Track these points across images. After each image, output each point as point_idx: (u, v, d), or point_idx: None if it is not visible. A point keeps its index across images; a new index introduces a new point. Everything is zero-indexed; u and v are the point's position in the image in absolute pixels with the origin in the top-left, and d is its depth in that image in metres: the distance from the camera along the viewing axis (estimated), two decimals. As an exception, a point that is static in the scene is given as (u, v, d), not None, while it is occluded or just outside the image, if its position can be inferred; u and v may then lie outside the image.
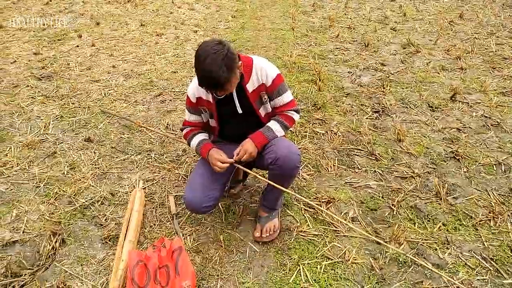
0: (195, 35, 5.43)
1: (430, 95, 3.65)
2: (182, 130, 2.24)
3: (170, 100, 3.73)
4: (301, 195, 2.49)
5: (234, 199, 2.48)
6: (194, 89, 2.04)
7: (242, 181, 2.56)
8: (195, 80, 2.01)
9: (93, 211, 2.41)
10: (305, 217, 2.34)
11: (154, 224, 2.31)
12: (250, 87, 1.98)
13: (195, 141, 2.13)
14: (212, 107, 2.03)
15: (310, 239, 2.18)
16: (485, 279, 1.95)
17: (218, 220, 2.33)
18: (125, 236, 2.12)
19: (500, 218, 2.27)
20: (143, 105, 3.63)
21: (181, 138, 2.80)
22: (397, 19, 5.84)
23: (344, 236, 2.21)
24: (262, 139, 2.01)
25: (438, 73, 4.10)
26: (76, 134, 3.18)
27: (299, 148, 2.89)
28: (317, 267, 2.02)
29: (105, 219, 2.35)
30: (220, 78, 1.72)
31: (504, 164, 2.70)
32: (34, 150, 2.96)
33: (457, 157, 2.79)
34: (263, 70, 1.98)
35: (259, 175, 2.16)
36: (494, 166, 2.70)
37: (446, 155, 2.83)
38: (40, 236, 2.21)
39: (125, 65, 4.46)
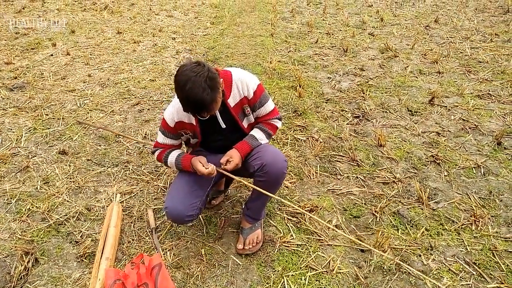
0: (173, 42, 5.37)
1: (409, 99, 3.68)
2: (153, 152, 2.13)
3: (148, 109, 3.64)
4: (284, 204, 2.45)
5: (215, 210, 2.42)
6: (173, 113, 1.95)
7: (223, 191, 2.50)
8: (174, 104, 1.94)
9: (68, 227, 2.31)
10: (288, 226, 2.30)
11: (133, 240, 2.22)
12: (232, 101, 1.94)
13: (173, 156, 2.04)
14: (195, 129, 1.97)
15: (293, 250, 2.14)
16: (468, 284, 1.94)
17: (199, 233, 2.26)
18: (101, 253, 2.03)
19: (481, 222, 2.28)
20: (120, 115, 3.53)
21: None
22: (375, 24, 5.90)
23: (328, 245, 2.18)
24: (247, 148, 1.98)
25: (416, 77, 4.14)
26: (50, 146, 3.06)
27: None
28: (301, 279, 1.98)
29: (81, 236, 2.25)
30: (205, 100, 1.65)
31: (483, 167, 2.73)
32: (5, 164, 2.83)
33: (437, 161, 2.80)
34: (244, 83, 1.93)
35: (244, 181, 2.10)
36: (473, 169, 2.73)
37: (427, 159, 2.84)
38: (11, 256, 2.10)
39: (101, 74, 4.35)
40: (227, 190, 2.54)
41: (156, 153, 2.11)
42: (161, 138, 2.07)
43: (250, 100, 1.97)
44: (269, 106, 2.04)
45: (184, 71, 1.67)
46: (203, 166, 1.91)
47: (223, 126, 1.98)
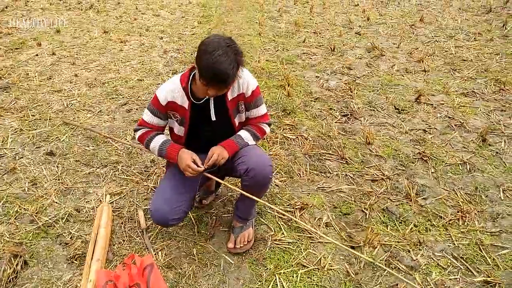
0: (160, 42, 5.33)
1: (396, 97, 3.73)
2: (136, 130, 2.03)
3: (137, 109, 3.62)
4: (275, 203, 2.47)
5: (207, 210, 2.42)
6: (167, 92, 1.89)
7: (214, 191, 2.50)
8: (170, 83, 1.91)
9: (57, 229, 2.28)
10: (279, 224, 2.31)
11: (123, 240, 2.21)
12: (230, 95, 1.93)
13: (157, 141, 1.97)
14: (186, 114, 1.92)
15: (285, 248, 2.16)
16: (456, 278, 1.99)
17: (190, 232, 2.26)
18: (92, 255, 2.01)
19: (468, 217, 2.33)
20: (108, 115, 3.50)
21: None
22: (361, 23, 5.96)
23: (319, 242, 2.20)
24: (233, 146, 1.97)
25: (403, 75, 4.20)
26: (37, 148, 3.02)
27: (270, 155, 2.87)
28: (293, 276, 1.99)
29: (71, 237, 2.23)
30: (229, 73, 1.62)
31: (468, 163, 2.79)
32: (-9, 166, 2.78)
33: (425, 158, 2.85)
34: (245, 80, 1.93)
35: (230, 184, 2.10)
36: (459, 165, 2.78)
37: (414, 157, 2.89)
38: (-1, 259, 2.07)
39: (88, 74, 4.31)
40: (218, 190, 2.54)
41: (139, 133, 2.01)
42: (148, 116, 1.97)
43: (246, 98, 1.97)
44: (262, 109, 2.06)
45: (215, 38, 1.65)
46: (191, 165, 1.86)
47: (213, 118, 1.96)
